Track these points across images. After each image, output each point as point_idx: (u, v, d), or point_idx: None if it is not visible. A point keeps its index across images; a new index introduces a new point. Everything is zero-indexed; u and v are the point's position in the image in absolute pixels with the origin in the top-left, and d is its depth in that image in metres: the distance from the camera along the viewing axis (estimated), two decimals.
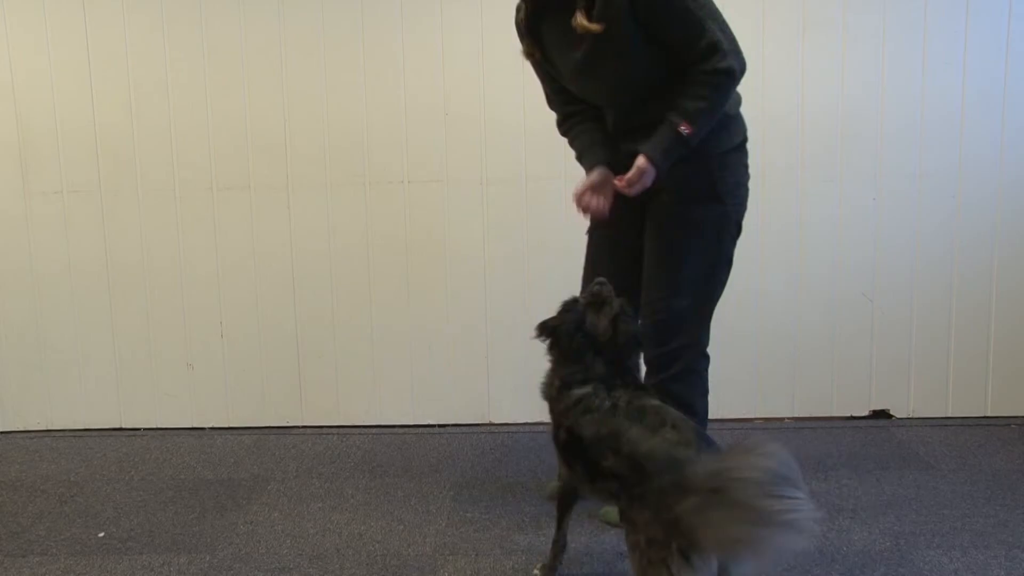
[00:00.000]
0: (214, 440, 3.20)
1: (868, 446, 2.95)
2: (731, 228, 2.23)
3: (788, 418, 3.23)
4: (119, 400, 3.32)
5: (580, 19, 2.06)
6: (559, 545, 2.07)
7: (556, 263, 3.17)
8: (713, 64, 2.03)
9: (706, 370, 2.32)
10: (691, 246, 2.20)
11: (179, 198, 3.21)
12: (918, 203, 3.12)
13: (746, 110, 3.04)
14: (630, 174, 2.11)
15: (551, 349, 2.01)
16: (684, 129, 2.05)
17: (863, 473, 2.71)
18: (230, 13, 3.11)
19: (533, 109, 2.70)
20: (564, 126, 2.36)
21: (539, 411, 3.02)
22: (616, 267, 2.29)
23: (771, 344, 3.19)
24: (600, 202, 2.22)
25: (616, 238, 2.33)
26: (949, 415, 3.20)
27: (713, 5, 2.08)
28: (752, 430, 3.13)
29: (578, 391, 1.90)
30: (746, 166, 2.27)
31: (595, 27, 2.04)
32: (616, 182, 2.16)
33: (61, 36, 3.15)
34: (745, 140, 2.26)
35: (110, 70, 3.16)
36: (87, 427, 3.34)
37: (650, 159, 2.09)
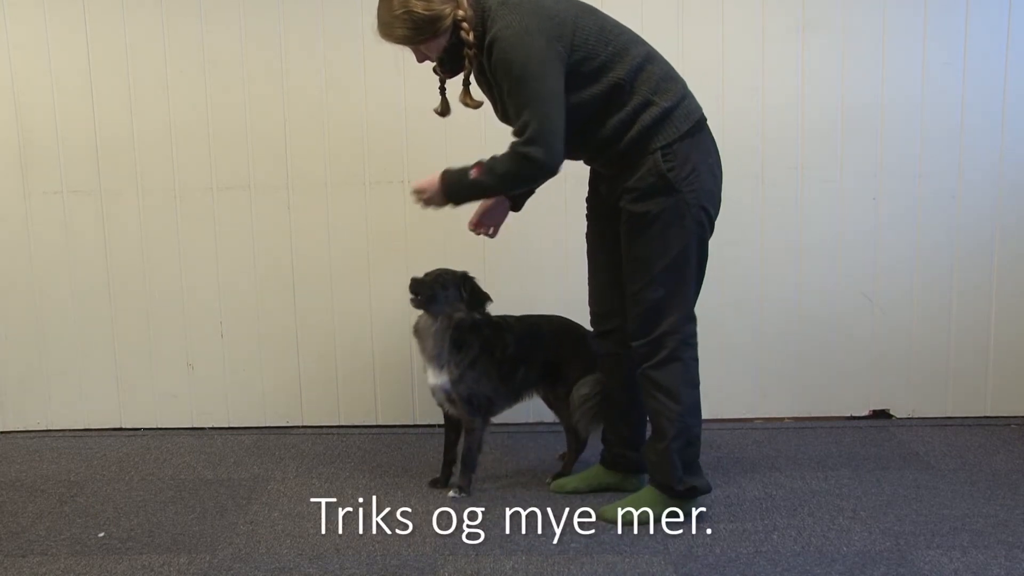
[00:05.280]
0: (214, 440, 3.20)
1: (868, 446, 2.95)
2: (693, 213, 2.24)
3: (788, 418, 3.23)
4: (119, 400, 3.32)
5: (462, 97, 2.30)
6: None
7: (557, 262, 3.17)
8: (519, 143, 2.16)
9: (693, 360, 2.33)
10: (655, 238, 2.25)
11: (179, 198, 3.21)
12: (918, 203, 3.11)
13: (746, 111, 3.07)
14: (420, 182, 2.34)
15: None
16: (472, 172, 2.23)
17: (863, 473, 2.71)
18: (230, 13, 3.11)
19: None
20: None
21: (539, 411, 3.04)
22: (608, 280, 2.45)
23: (771, 344, 3.19)
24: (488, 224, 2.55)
25: (606, 257, 2.46)
26: (949, 415, 3.20)
27: (552, 91, 2.13)
28: (752, 430, 3.13)
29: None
30: (705, 149, 2.28)
31: (473, 103, 2.29)
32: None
33: (61, 36, 3.15)
34: (698, 124, 2.26)
35: (110, 70, 3.16)
36: (87, 427, 3.34)
37: (442, 176, 2.28)
